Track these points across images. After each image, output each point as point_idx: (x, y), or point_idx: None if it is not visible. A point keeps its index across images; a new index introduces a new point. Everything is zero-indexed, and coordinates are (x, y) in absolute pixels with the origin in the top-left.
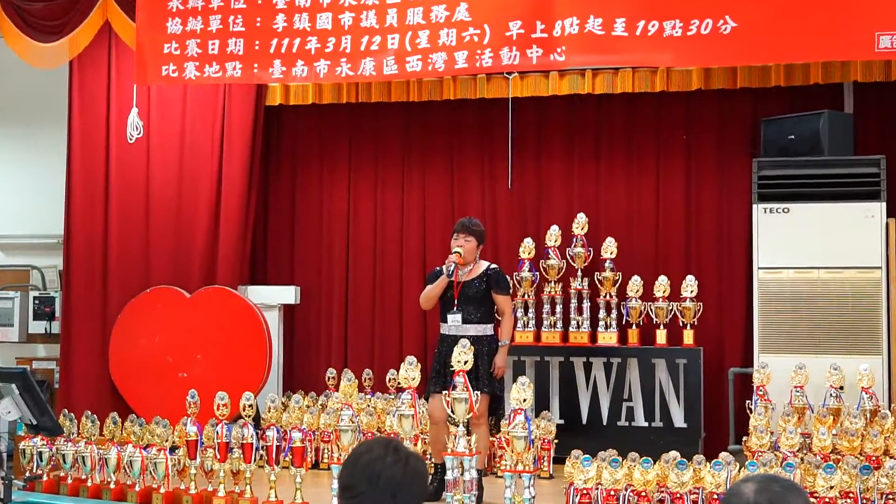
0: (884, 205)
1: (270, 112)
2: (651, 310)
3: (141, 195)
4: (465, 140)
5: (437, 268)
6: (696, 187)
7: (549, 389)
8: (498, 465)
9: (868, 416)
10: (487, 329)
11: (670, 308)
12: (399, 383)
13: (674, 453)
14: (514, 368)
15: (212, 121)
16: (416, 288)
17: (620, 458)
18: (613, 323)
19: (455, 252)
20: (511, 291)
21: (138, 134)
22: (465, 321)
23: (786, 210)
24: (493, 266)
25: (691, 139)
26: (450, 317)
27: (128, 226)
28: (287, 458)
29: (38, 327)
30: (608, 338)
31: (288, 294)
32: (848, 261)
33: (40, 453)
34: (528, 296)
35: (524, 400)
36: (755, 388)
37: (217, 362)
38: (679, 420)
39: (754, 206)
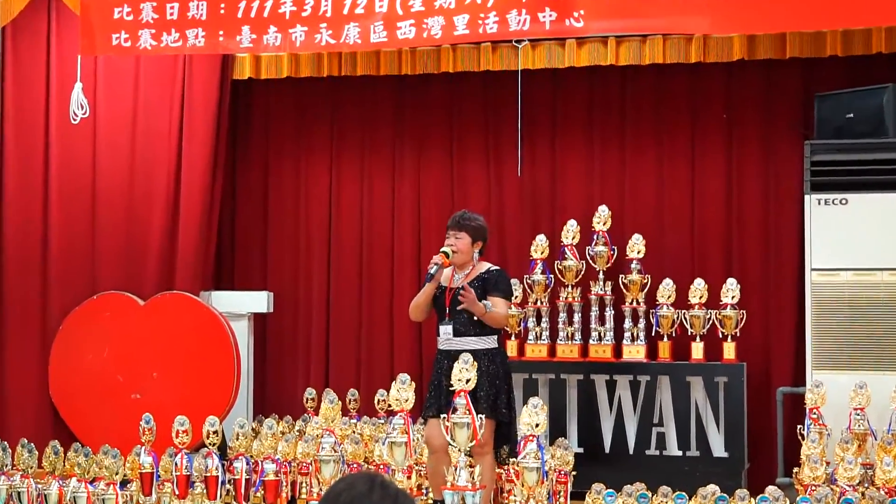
0: None
1: (238, 87)
2: (685, 319)
3: (86, 185)
4: (466, 120)
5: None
6: (738, 175)
7: (566, 412)
8: (506, 500)
9: None
10: (488, 342)
11: (708, 317)
12: (390, 406)
13: (712, 487)
14: (525, 388)
15: (170, 98)
16: (409, 294)
17: (650, 493)
18: (641, 334)
19: (441, 252)
20: (513, 297)
21: (83, 114)
22: (458, 333)
23: (843, 201)
24: (495, 268)
25: (732, 118)
26: (441, 328)
27: (71, 221)
28: (258, 494)
29: None
30: (635, 352)
31: (259, 301)
32: None
33: None
34: (541, 302)
35: (536, 425)
36: (808, 411)
37: (176, 381)
38: (719, 448)
39: (806, 197)
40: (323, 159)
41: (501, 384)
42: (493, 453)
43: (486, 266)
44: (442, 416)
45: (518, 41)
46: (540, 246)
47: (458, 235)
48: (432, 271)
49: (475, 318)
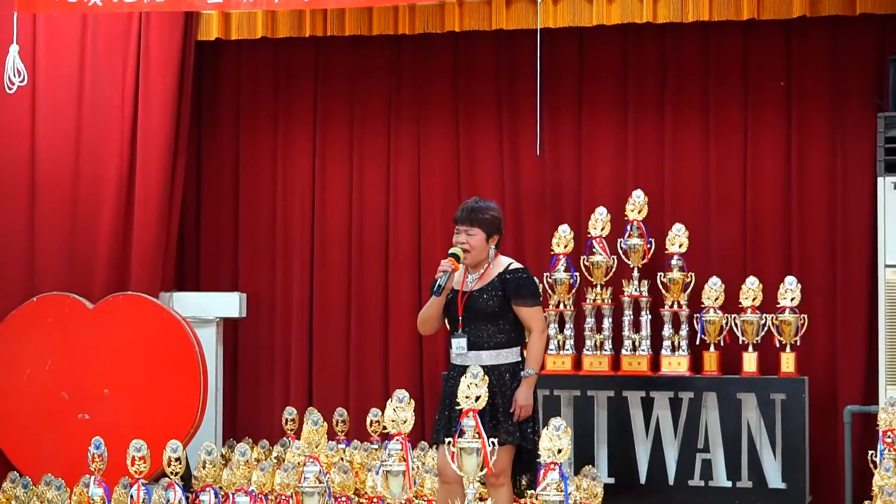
0: None
1: (204, 50)
2: (736, 325)
3: (23, 167)
4: (475, 89)
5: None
6: (800, 153)
7: (595, 436)
8: None
9: None
10: (510, 355)
11: (763, 322)
12: (385, 428)
13: None
14: (546, 407)
15: (122, 64)
16: (407, 295)
17: None
18: (684, 343)
19: (450, 255)
20: (541, 300)
21: (20, 81)
22: (473, 346)
23: None
24: (515, 266)
25: (792, 87)
26: (453, 341)
27: (5, 209)
28: None
29: None
30: (676, 364)
31: (230, 304)
32: None
33: None
34: (565, 305)
35: (559, 451)
36: (881, 434)
37: (131, 399)
38: (775, 478)
39: (880, 180)
40: (305, 136)
41: None
42: (510, 484)
43: (504, 263)
44: (447, 441)
45: None
46: (563, 238)
47: (471, 232)
48: (441, 281)
49: (494, 324)
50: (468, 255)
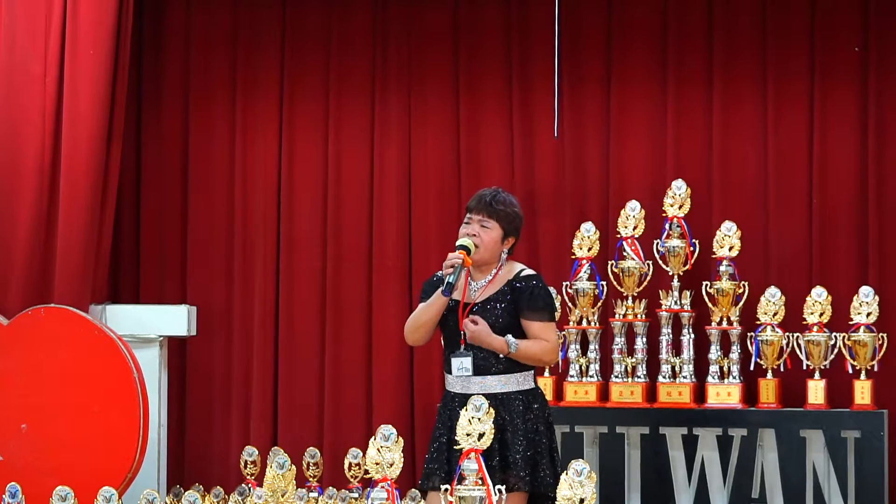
0: None
1: (146, 9)
2: (799, 346)
3: None
4: (480, 53)
5: (437, 273)
6: (879, 135)
7: (626, 482)
8: None
9: None
10: (524, 380)
11: (832, 343)
12: (367, 472)
13: None
14: (565, 445)
15: (45, 26)
16: (395, 309)
17: None
18: (735, 368)
19: (460, 246)
20: (556, 314)
21: None
22: (479, 369)
23: None
24: (528, 272)
25: (871, 54)
26: (454, 361)
27: None
28: None
29: None
30: (725, 394)
31: (176, 319)
32: None
33: None
34: (589, 321)
35: (581, 501)
36: None
37: (55, 435)
38: None
39: None
40: (269, 114)
41: (542, 441)
42: None
43: (516, 269)
44: (444, 487)
45: None
46: (586, 239)
47: (486, 224)
48: (451, 278)
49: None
50: (476, 251)
